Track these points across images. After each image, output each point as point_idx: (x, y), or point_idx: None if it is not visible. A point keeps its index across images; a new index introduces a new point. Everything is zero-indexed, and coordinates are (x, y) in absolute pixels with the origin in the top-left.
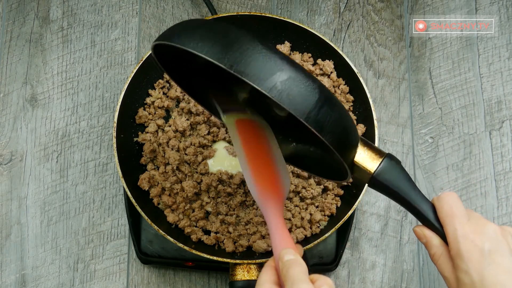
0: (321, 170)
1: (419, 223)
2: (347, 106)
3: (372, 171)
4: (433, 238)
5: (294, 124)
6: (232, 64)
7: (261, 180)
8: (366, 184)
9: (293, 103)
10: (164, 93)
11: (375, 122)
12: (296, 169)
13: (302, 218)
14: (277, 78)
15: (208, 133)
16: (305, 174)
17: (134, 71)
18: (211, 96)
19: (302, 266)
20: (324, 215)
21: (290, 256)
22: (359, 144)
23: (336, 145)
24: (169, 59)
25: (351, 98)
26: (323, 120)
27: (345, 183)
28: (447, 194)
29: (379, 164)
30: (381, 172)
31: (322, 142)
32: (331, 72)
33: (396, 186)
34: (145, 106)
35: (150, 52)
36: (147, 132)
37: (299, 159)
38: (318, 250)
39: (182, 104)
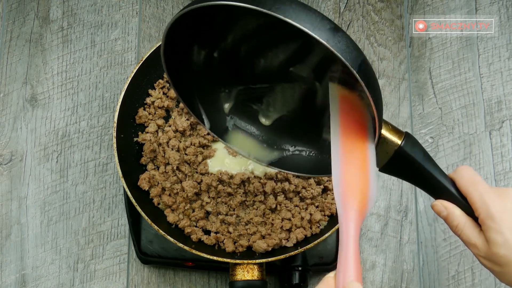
0: (322, 168)
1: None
2: None
3: (399, 143)
4: (455, 209)
5: (296, 125)
6: (286, 15)
7: (352, 179)
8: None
9: (347, 55)
10: (164, 93)
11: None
12: None
13: (302, 218)
14: (330, 32)
15: (208, 133)
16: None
17: (134, 71)
18: (199, 101)
19: None
20: (324, 215)
21: None
22: None
23: (376, 103)
24: (174, 51)
25: None
26: (369, 77)
27: None
28: (464, 167)
29: (403, 139)
30: (405, 146)
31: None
32: None
33: (420, 159)
34: (145, 106)
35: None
36: (147, 132)
37: (290, 163)
38: (318, 250)
39: (182, 104)
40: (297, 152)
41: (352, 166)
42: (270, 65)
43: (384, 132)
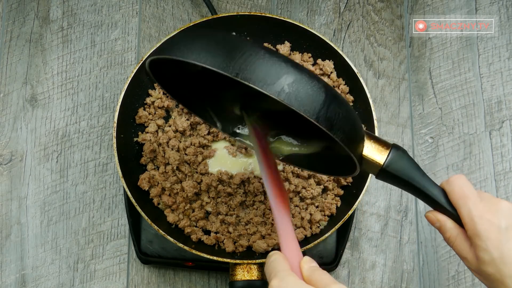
0: (325, 167)
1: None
2: None
3: (382, 163)
4: (447, 221)
5: (297, 125)
6: (238, 72)
7: (276, 184)
8: (368, 181)
9: (302, 104)
10: (164, 93)
11: (375, 122)
12: (296, 169)
13: (302, 218)
14: (284, 81)
15: (208, 133)
16: (305, 174)
17: (134, 71)
18: (208, 108)
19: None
20: (324, 215)
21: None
22: (365, 138)
23: (346, 142)
24: (163, 72)
25: (351, 98)
26: (332, 118)
27: (345, 183)
28: (456, 177)
29: (387, 156)
30: (390, 163)
31: (326, 139)
32: (331, 72)
33: (405, 175)
34: (145, 106)
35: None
36: (147, 132)
37: (302, 158)
38: (318, 250)
39: (191, 112)
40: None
41: (274, 173)
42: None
43: (367, 152)
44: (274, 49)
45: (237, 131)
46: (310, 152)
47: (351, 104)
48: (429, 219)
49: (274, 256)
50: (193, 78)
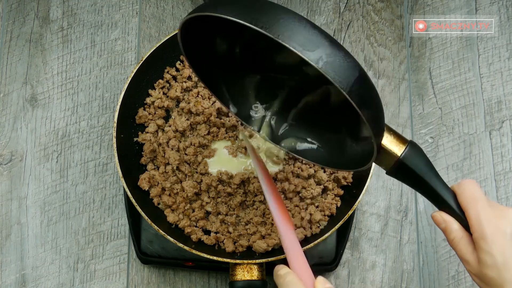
0: (336, 160)
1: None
2: None
3: (399, 155)
4: (453, 223)
5: (312, 118)
6: (279, 34)
7: (281, 205)
8: (368, 181)
9: (338, 75)
10: (164, 93)
11: None
12: (296, 169)
13: (302, 218)
14: (322, 51)
15: (208, 133)
16: (305, 174)
17: (134, 71)
18: (225, 89)
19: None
20: (324, 215)
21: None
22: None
23: (372, 122)
24: (193, 41)
25: None
26: (363, 96)
27: (345, 183)
28: (467, 181)
29: (404, 149)
30: (406, 157)
31: (341, 131)
32: None
33: (420, 171)
34: (145, 106)
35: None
36: (147, 132)
37: (312, 152)
38: (318, 250)
39: (182, 104)
40: (308, 146)
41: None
42: (285, 62)
43: (385, 142)
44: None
45: (252, 114)
46: (322, 146)
47: None
48: (435, 219)
49: (289, 277)
50: (222, 52)
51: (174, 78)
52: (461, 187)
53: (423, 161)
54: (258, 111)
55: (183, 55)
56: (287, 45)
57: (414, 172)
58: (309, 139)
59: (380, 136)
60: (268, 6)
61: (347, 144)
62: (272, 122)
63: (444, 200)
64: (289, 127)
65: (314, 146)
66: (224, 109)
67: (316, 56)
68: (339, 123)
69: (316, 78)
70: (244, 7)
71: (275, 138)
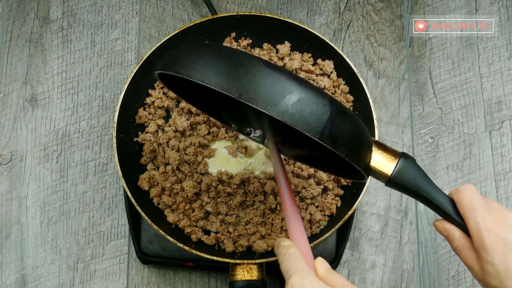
0: (335, 169)
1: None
2: (347, 106)
3: (389, 174)
4: (455, 231)
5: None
6: (241, 93)
7: (290, 189)
8: (368, 181)
9: (306, 123)
10: (164, 93)
11: (375, 122)
12: (296, 169)
13: (302, 218)
14: (288, 101)
15: (208, 133)
16: (305, 174)
17: (134, 71)
18: (221, 111)
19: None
20: (324, 215)
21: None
22: (373, 148)
23: (351, 157)
24: (173, 79)
25: (351, 98)
26: (336, 135)
27: (345, 183)
28: (465, 187)
29: (395, 166)
30: (398, 173)
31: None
32: (331, 72)
33: (413, 184)
34: (145, 106)
35: (154, 48)
36: (147, 132)
37: (311, 159)
38: (318, 250)
39: (182, 104)
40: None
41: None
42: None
43: (374, 164)
44: (274, 49)
45: (251, 135)
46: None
47: (351, 104)
48: (437, 228)
49: (291, 249)
50: (203, 88)
51: None
52: (459, 195)
53: (416, 173)
54: (253, 133)
55: (170, 90)
56: (249, 104)
57: (409, 185)
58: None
59: (365, 162)
60: (226, 59)
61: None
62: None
63: (443, 209)
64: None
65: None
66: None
67: (281, 109)
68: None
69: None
70: (204, 65)
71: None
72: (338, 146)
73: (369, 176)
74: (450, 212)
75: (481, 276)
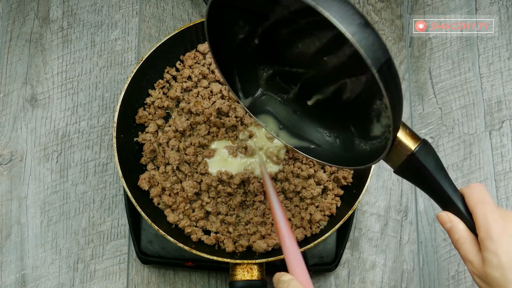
0: (342, 158)
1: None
2: None
3: (413, 149)
4: (459, 223)
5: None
6: (318, 4)
7: (284, 213)
8: (368, 181)
9: (370, 52)
10: (164, 93)
11: None
12: (296, 169)
13: (302, 218)
14: (357, 27)
15: (208, 133)
16: (305, 174)
17: (134, 71)
18: (237, 78)
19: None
20: (324, 215)
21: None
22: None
23: (393, 109)
24: (216, 24)
25: None
26: (389, 80)
27: (345, 183)
28: (477, 184)
29: (418, 145)
30: (419, 152)
31: (351, 127)
32: None
33: (431, 169)
34: (145, 106)
35: (154, 48)
36: (147, 132)
37: (317, 150)
38: (318, 250)
39: (182, 104)
40: (315, 145)
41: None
42: (306, 51)
43: (400, 136)
44: None
45: (259, 99)
46: (326, 144)
47: None
48: (441, 219)
49: (292, 283)
50: (242, 38)
51: (174, 78)
52: (471, 190)
53: (435, 160)
54: (262, 94)
55: (206, 34)
56: (326, 14)
57: (425, 169)
58: (312, 140)
59: (398, 127)
60: None
61: (355, 142)
62: (279, 116)
63: (452, 200)
64: (296, 123)
65: (317, 147)
66: (231, 99)
67: (352, 30)
68: (349, 121)
69: (335, 69)
70: None
71: (279, 134)
72: (388, 90)
73: (388, 150)
74: (459, 204)
75: (480, 270)
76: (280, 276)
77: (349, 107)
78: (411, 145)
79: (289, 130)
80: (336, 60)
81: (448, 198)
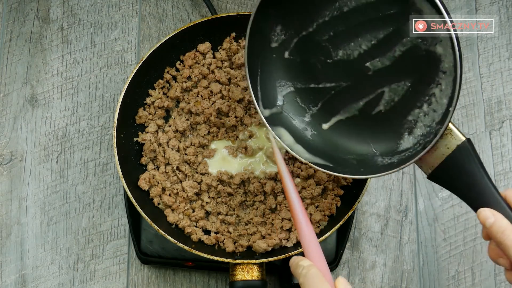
0: (353, 169)
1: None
2: None
3: (463, 138)
4: (503, 218)
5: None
6: None
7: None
8: (368, 181)
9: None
10: (164, 93)
11: None
12: (296, 168)
13: None
14: None
15: (208, 133)
16: (305, 174)
17: (134, 71)
18: (259, 81)
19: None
20: (324, 215)
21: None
22: None
23: (456, 67)
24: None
25: None
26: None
27: (345, 183)
28: None
29: (460, 143)
30: (465, 147)
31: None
32: None
33: (476, 166)
34: (145, 106)
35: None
36: (147, 132)
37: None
38: None
39: (182, 104)
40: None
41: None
42: (348, 56)
43: (450, 125)
44: None
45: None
46: (342, 163)
47: None
48: (482, 214)
49: (312, 270)
50: (285, 39)
51: (174, 78)
52: None
53: (478, 159)
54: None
55: (248, 30)
56: None
57: (475, 163)
58: (328, 159)
59: (450, 117)
60: None
61: (377, 160)
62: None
63: (498, 199)
64: (311, 142)
65: (335, 165)
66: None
67: None
68: (371, 141)
69: (384, 72)
70: None
71: (293, 147)
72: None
73: (444, 130)
74: (503, 203)
75: None
76: (298, 261)
77: (374, 124)
78: (461, 135)
79: (304, 146)
80: (383, 61)
81: (494, 197)
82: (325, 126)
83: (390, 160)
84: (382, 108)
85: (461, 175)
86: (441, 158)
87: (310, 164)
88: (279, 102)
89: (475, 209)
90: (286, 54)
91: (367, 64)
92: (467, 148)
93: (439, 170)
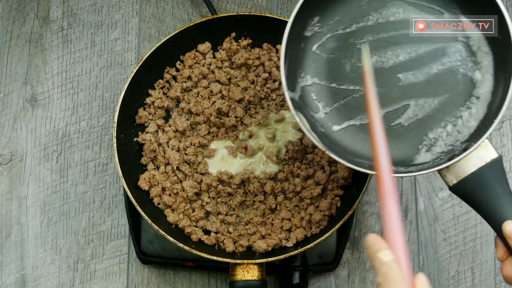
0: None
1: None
2: None
3: (497, 154)
4: None
5: None
6: None
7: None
8: (368, 181)
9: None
10: (164, 93)
11: None
12: (295, 168)
13: (302, 218)
14: None
15: (208, 133)
16: (305, 174)
17: (134, 71)
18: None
19: None
20: (324, 215)
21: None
22: None
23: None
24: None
25: None
26: None
27: (345, 183)
28: None
29: (491, 159)
30: (498, 162)
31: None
32: None
33: (504, 181)
34: (145, 106)
35: (154, 48)
36: (147, 132)
37: None
38: (318, 250)
39: (182, 104)
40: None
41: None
42: (381, 63)
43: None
44: (274, 49)
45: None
46: None
47: None
48: (509, 226)
49: (394, 269)
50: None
51: (174, 78)
52: None
53: (505, 175)
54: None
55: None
56: None
57: (501, 181)
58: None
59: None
60: None
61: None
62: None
63: None
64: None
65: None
66: (231, 99)
67: None
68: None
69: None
70: None
71: (312, 133)
72: None
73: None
74: None
75: None
76: (378, 249)
77: (390, 135)
78: (494, 151)
79: (318, 136)
80: (415, 76)
81: None
82: (336, 128)
83: (406, 169)
84: (402, 121)
85: (488, 189)
86: (471, 169)
87: (328, 152)
88: (296, 92)
89: (496, 225)
90: (314, 47)
91: (399, 75)
92: (500, 163)
93: (465, 181)
